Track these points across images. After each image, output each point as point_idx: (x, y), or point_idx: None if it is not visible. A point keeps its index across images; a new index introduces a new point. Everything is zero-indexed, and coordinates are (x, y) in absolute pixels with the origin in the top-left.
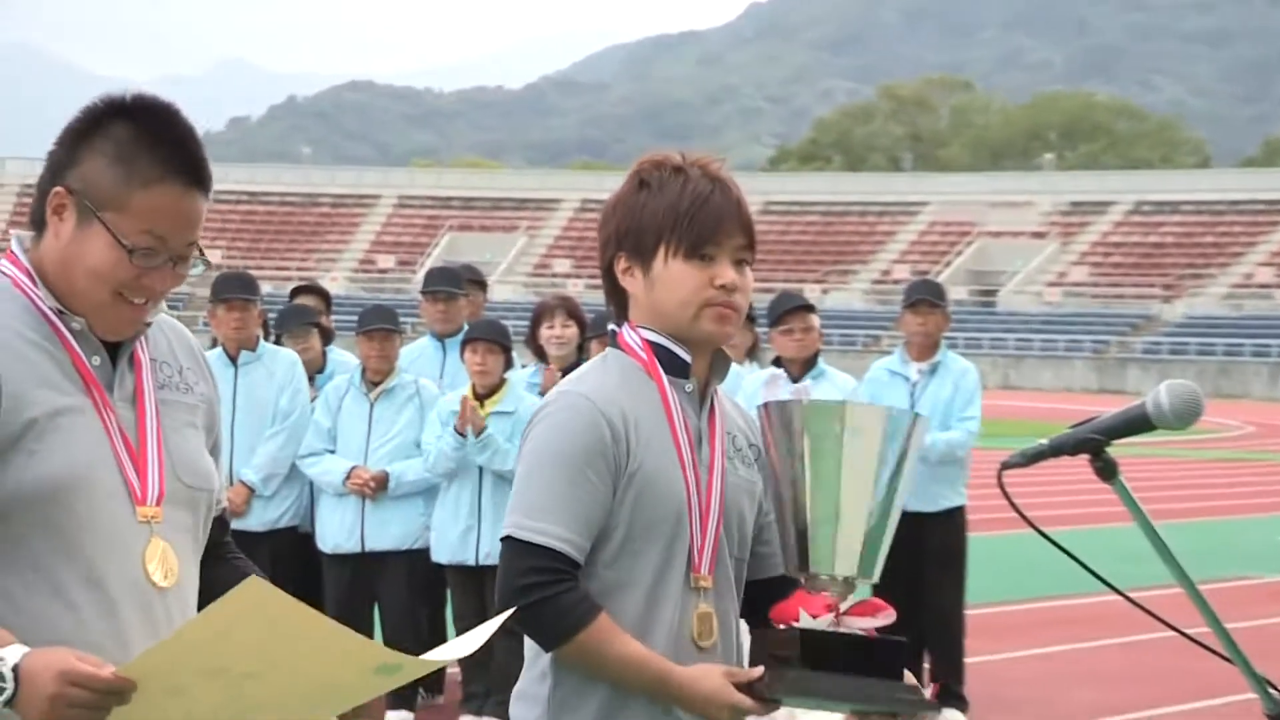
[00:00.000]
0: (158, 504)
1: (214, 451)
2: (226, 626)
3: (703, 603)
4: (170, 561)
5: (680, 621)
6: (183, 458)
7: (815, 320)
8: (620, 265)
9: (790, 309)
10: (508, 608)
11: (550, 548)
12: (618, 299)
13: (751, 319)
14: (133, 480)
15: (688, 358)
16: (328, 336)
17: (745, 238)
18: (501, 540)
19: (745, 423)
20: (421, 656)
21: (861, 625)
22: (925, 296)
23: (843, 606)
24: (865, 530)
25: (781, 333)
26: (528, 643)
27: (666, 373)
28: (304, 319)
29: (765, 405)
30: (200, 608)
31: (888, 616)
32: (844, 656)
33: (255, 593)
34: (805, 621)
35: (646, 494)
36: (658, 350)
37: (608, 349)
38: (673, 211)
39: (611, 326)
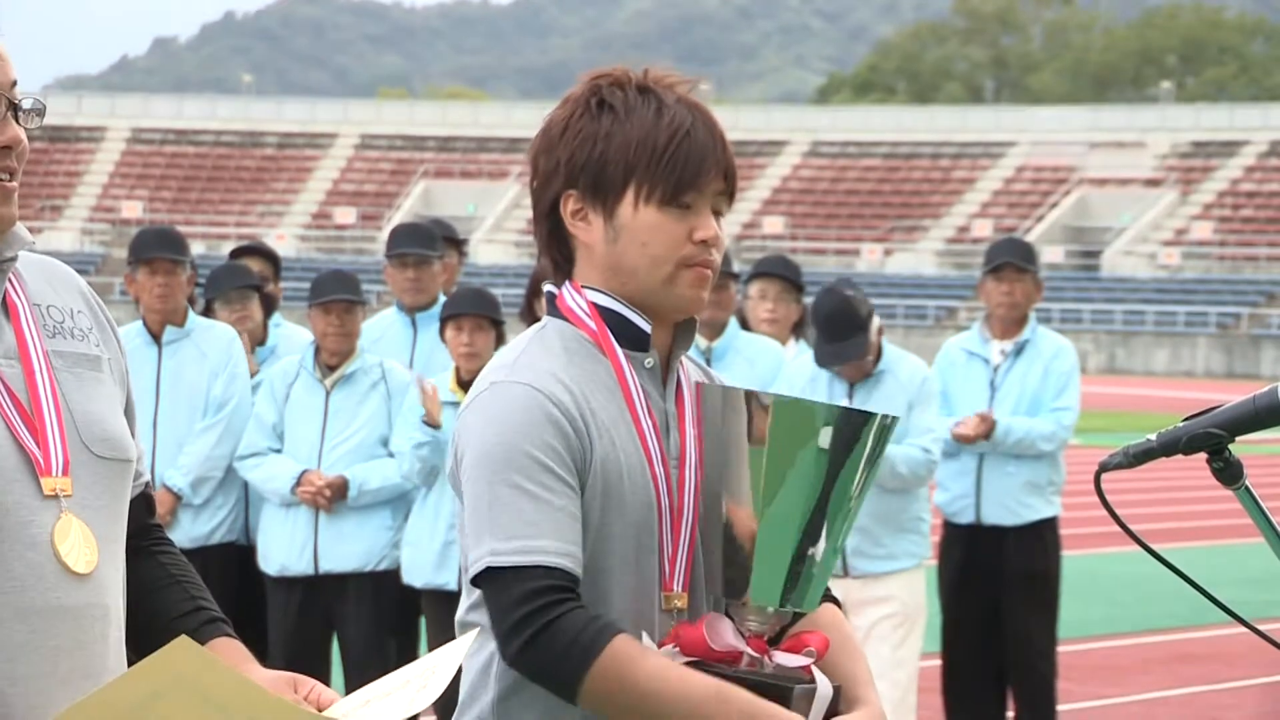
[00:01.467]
0: (64, 474)
1: (126, 414)
2: (150, 694)
3: (674, 624)
4: (88, 543)
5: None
6: (88, 418)
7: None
8: (569, 206)
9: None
10: (508, 658)
11: (544, 565)
12: (560, 247)
13: (800, 288)
14: (31, 448)
15: (647, 327)
16: (271, 305)
17: (725, 181)
18: (475, 581)
19: None
20: (376, 714)
21: (792, 662)
22: (1011, 259)
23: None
24: (822, 558)
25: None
26: (467, 668)
27: (621, 345)
28: (240, 280)
29: (699, 387)
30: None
31: (811, 654)
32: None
33: (184, 657)
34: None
35: (612, 497)
36: (609, 317)
37: (546, 317)
38: (648, 144)
39: (549, 287)
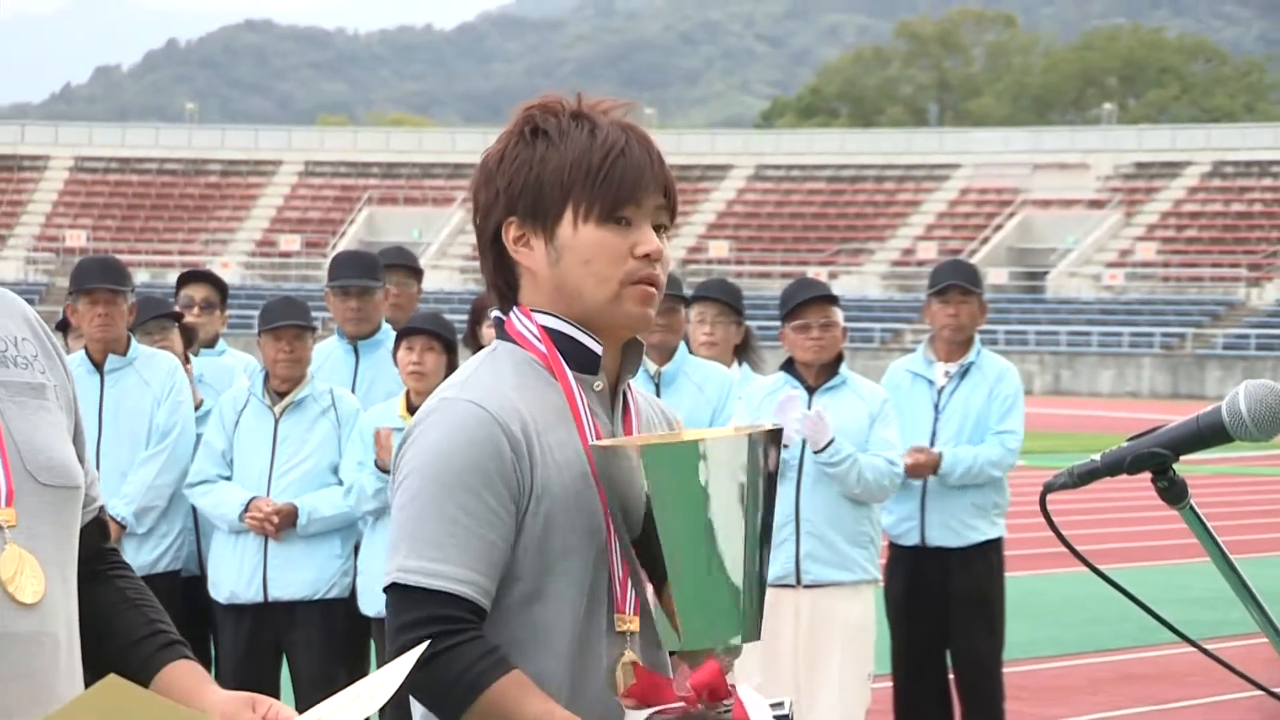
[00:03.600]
0: (8, 504)
1: (76, 440)
2: None
3: (629, 650)
4: (34, 573)
5: (598, 675)
6: (32, 447)
7: (838, 315)
8: (511, 233)
9: (807, 300)
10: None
11: (446, 592)
12: (505, 276)
13: (739, 311)
14: None
15: (598, 348)
16: (191, 335)
17: (665, 197)
18: (385, 590)
19: (665, 423)
20: None
21: (754, 701)
22: (956, 281)
23: (729, 676)
24: (747, 587)
25: (796, 329)
26: (414, 708)
27: (571, 368)
28: (156, 310)
29: (593, 447)
30: (82, 635)
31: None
32: None
33: (116, 695)
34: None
35: (557, 520)
36: (559, 340)
37: (496, 341)
38: (583, 163)
39: (496, 313)
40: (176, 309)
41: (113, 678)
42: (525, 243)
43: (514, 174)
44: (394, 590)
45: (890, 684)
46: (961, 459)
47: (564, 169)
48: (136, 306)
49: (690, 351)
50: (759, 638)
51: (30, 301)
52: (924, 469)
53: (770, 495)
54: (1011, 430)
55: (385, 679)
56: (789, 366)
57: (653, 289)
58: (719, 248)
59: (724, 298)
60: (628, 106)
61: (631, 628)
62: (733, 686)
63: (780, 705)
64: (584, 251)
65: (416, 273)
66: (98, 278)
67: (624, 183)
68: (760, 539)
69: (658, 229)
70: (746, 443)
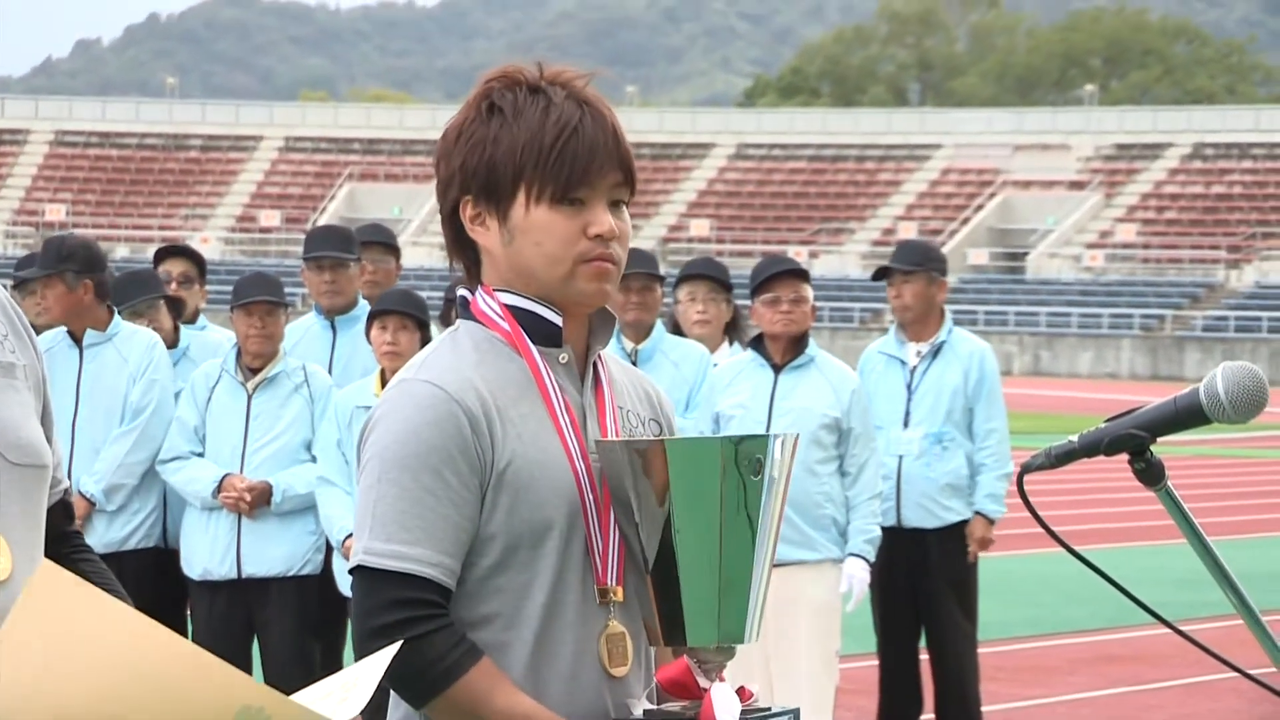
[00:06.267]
0: None
1: (44, 421)
2: (27, 639)
3: (613, 620)
4: (2, 551)
5: (584, 647)
6: (2, 425)
7: (809, 291)
8: (467, 212)
9: (776, 273)
10: (365, 655)
11: (413, 574)
12: (465, 253)
13: (728, 288)
14: None
15: (558, 320)
16: (180, 309)
17: (623, 173)
18: (350, 573)
19: (640, 392)
20: (303, 704)
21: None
22: (891, 264)
23: (726, 674)
24: (754, 586)
25: (766, 303)
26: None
27: (535, 342)
28: (145, 290)
29: (599, 444)
30: None
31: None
32: None
33: (52, 584)
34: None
35: (527, 493)
36: (521, 316)
37: (459, 320)
38: (534, 145)
39: (461, 292)
40: (168, 288)
41: (46, 564)
42: (481, 221)
43: (468, 153)
44: (360, 573)
45: (865, 663)
46: (992, 496)
47: (516, 150)
48: (102, 284)
49: (682, 331)
50: (757, 639)
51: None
52: (988, 539)
53: (781, 498)
54: (994, 427)
55: (358, 678)
56: (758, 343)
57: (607, 265)
58: (700, 226)
59: (714, 274)
60: (588, 76)
61: (616, 597)
62: (708, 687)
63: (767, 711)
64: (535, 233)
65: (394, 249)
66: (40, 264)
67: (575, 165)
68: (771, 539)
69: (617, 204)
70: (768, 444)
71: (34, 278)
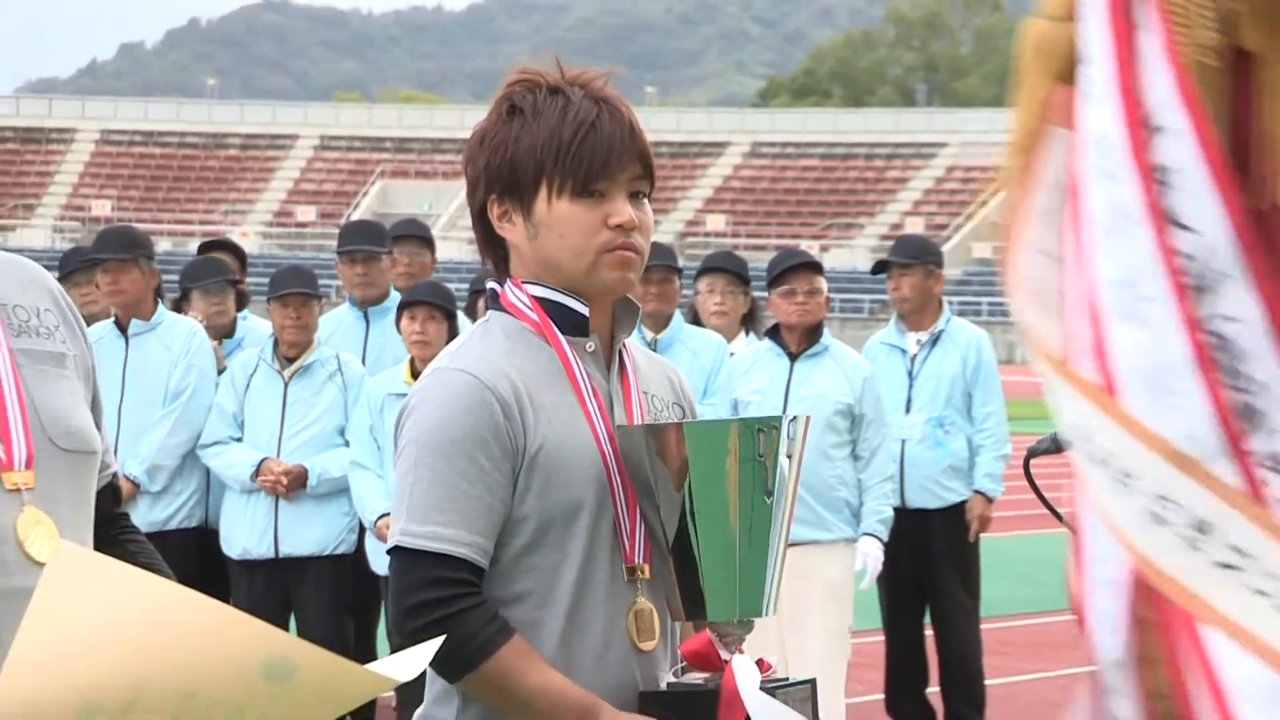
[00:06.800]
0: (28, 467)
1: (94, 409)
2: (55, 622)
3: (641, 596)
4: (51, 535)
5: (613, 623)
6: (52, 413)
7: (823, 283)
8: (495, 210)
9: (792, 266)
10: (402, 633)
11: (448, 554)
12: (494, 250)
13: (746, 281)
14: None
15: (585, 310)
16: (242, 300)
17: (641, 166)
18: (389, 553)
19: (665, 379)
20: (329, 653)
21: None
22: (890, 258)
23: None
24: (771, 563)
25: (782, 295)
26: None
27: (563, 332)
28: (219, 274)
29: (619, 429)
30: None
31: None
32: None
33: (73, 563)
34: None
35: (557, 476)
36: (549, 307)
37: (489, 312)
38: (554, 142)
39: (491, 285)
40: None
41: (62, 543)
42: (508, 218)
43: (491, 154)
44: (397, 553)
45: (874, 638)
46: (991, 476)
47: (536, 148)
48: (157, 273)
49: (701, 322)
50: (774, 612)
51: (65, 272)
52: (986, 517)
53: (795, 477)
54: (992, 410)
55: (401, 669)
56: (774, 333)
57: (630, 254)
58: (716, 221)
59: (732, 268)
60: (606, 75)
61: (644, 575)
62: (729, 659)
63: (785, 681)
64: (558, 226)
65: (428, 243)
66: (110, 248)
67: (594, 158)
68: (786, 517)
69: (637, 195)
70: (782, 425)
71: (111, 261)
